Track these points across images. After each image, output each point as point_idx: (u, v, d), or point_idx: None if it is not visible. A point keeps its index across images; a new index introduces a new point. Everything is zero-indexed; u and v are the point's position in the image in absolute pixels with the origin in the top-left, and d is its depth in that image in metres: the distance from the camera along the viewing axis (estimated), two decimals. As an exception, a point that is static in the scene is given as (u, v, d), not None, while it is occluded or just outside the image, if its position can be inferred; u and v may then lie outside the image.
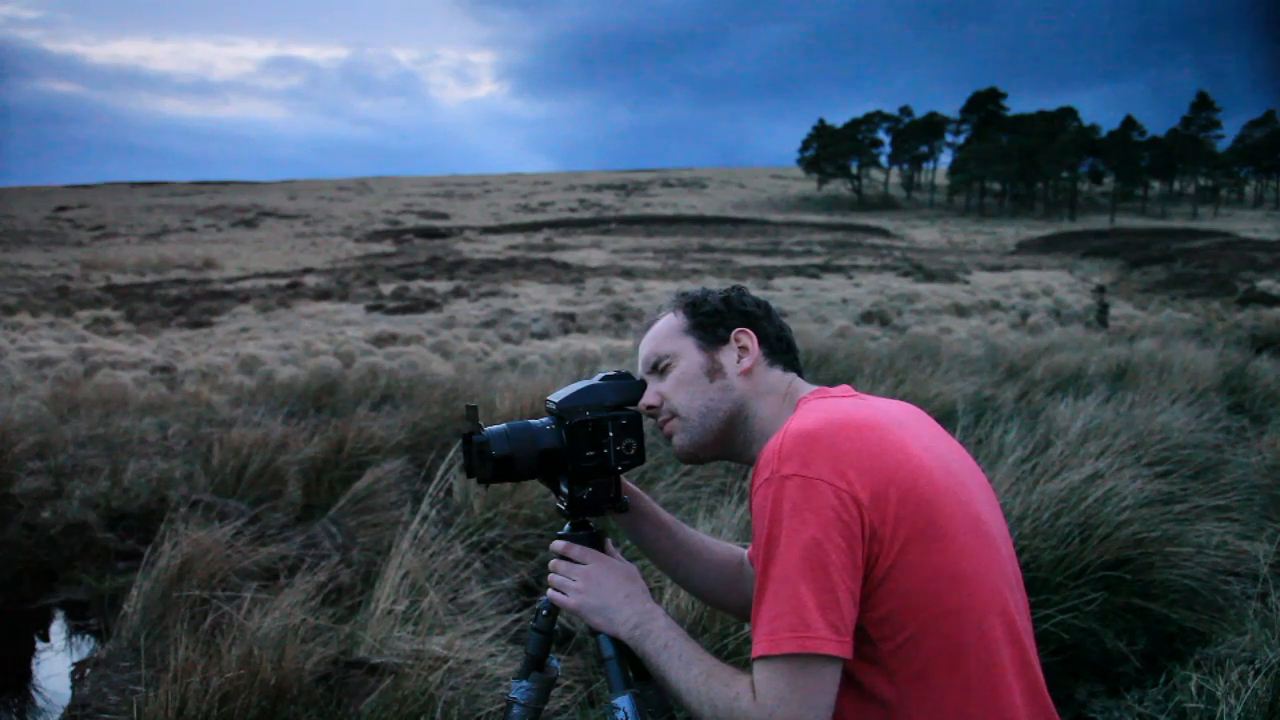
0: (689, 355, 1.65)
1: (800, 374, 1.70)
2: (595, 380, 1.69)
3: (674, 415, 1.65)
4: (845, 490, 1.36)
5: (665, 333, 1.68)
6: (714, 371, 1.63)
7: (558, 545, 1.68)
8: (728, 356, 1.64)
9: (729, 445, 1.65)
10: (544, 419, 1.66)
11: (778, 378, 1.66)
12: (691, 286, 1.75)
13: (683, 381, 1.64)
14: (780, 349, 1.68)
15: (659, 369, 1.68)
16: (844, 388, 1.64)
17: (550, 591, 1.65)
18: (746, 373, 1.63)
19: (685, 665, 1.46)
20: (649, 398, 1.68)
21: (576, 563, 1.65)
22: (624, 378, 1.70)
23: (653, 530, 1.81)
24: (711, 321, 1.66)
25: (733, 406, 1.62)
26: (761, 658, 1.36)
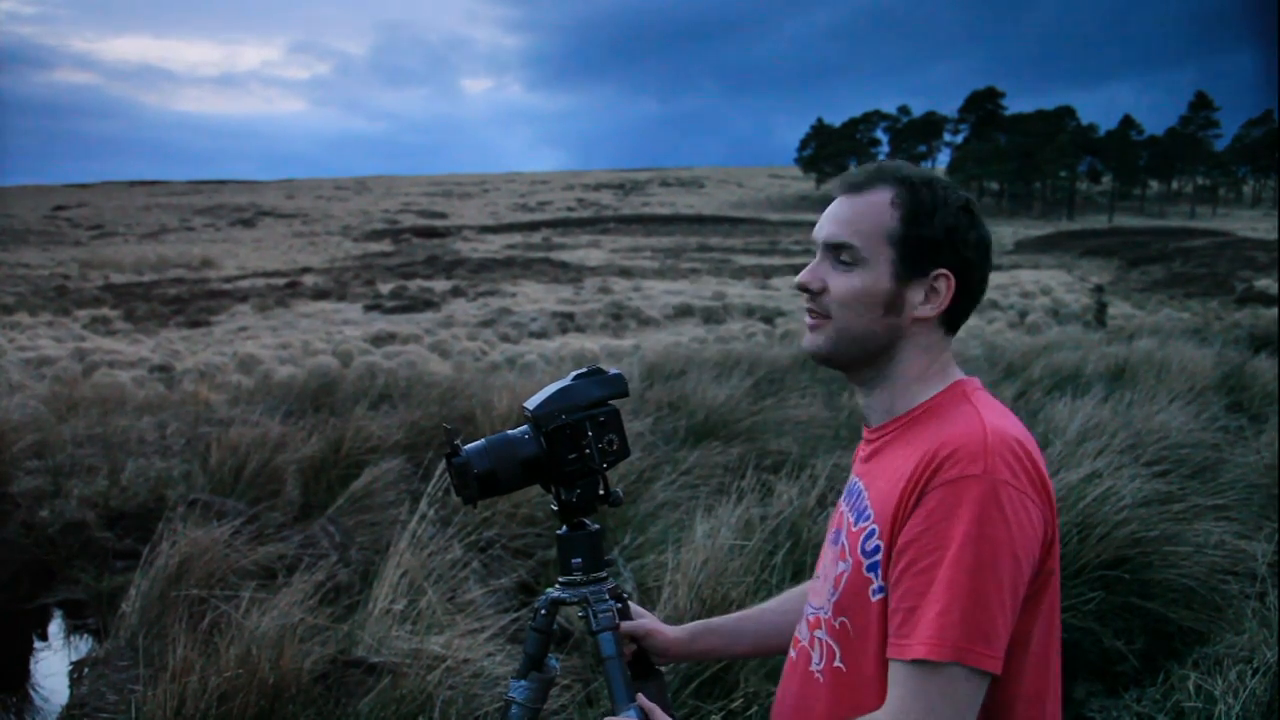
0: (878, 273, 1.41)
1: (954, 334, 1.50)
2: (568, 380, 1.65)
3: (828, 318, 1.45)
4: (1042, 510, 1.31)
5: (869, 224, 1.41)
6: (893, 306, 1.41)
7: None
8: (914, 294, 1.41)
9: (858, 369, 1.49)
10: (522, 428, 1.64)
11: (938, 337, 1.45)
12: (918, 172, 1.44)
13: (856, 296, 1.42)
14: (964, 307, 1.45)
15: (839, 255, 1.44)
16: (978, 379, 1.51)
17: None
18: (920, 319, 1.42)
19: None
20: (811, 278, 1.47)
21: None
22: (598, 373, 1.67)
23: (736, 640, 1.76)
24: (923, 248, 1.40)
25: (889, 343, 1.44)
26: (923, 661, 1.26)
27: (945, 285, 1.42)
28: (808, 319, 1.50)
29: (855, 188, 1.45)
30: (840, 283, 1.43)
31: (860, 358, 1.46)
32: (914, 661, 1.26)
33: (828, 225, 1.46)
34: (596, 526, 1.67)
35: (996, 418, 1.36)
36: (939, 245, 1.40)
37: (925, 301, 1.42)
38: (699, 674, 2.99)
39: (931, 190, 1.42)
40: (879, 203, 1.42)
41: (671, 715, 1.54)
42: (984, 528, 1.25)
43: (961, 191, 1.45)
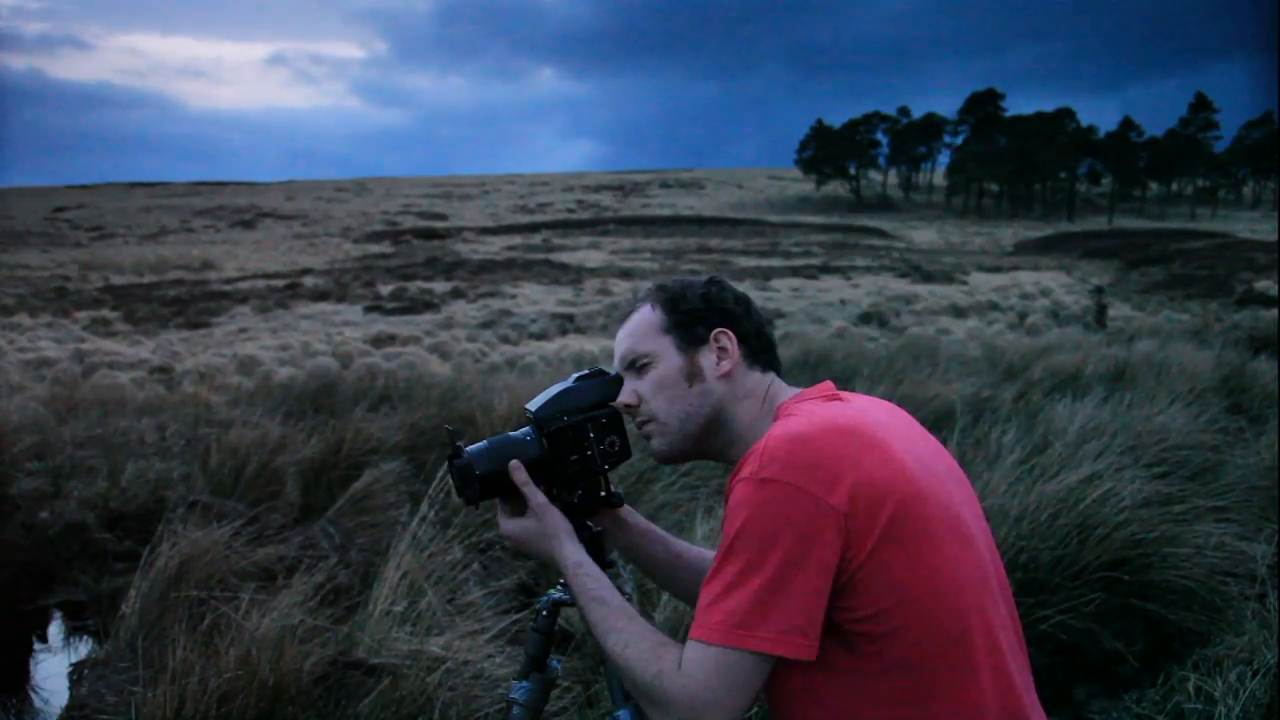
0: (667, 357, 1.60)
1: (779, 372, 1.66)
2: (570, 382, 1.67)
3: (652, 419, 1.62)
4: (823, 498, 1.38)
5: (643, 330, 1.62)
6: (693, 376, 1.59)
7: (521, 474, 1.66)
8: (706, 359, 1.60)
9: (707, 447, 1.63)
10: (524, 429, 1.65)
11: (756, 380, 1.62)
12: (669, 279, 1.68)
13: (661, 386, 1.60)
14: (759, 348, 1.63)
15: (636, 367, 1.63)
16: (824, 385, 1.62)
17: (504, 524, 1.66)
18: (726, 375, 1.59)
19: (613, 623, 1.50)
20: (626, 396, 1.64)
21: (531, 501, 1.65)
22: (599, 375, 1.68)
23: (646, 542, 1.80)
24: (690, 320, 1.60)
25: (711, 411, 1.59)
26: (700, 640, 1.39)
27: (728, 339, 1.60)
28: (642, 432, 1.65)
29: (625, 316, 1.67)
30: (646, 387, 1.62)
31: (700, 436, 1.61)
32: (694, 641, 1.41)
33: (617, 352, 1.67)
34: (598, 528, 1.68)
35: (787, 424, 1.47)
36: (703, 312, 1.61)
37: (719, 361, 1.60)
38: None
39: (679, 282, 1.65)
40: (643, 313, 1.64)
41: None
42: (749, 522, 1.39)
43: (704, 275, 1.68)
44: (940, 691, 1.40)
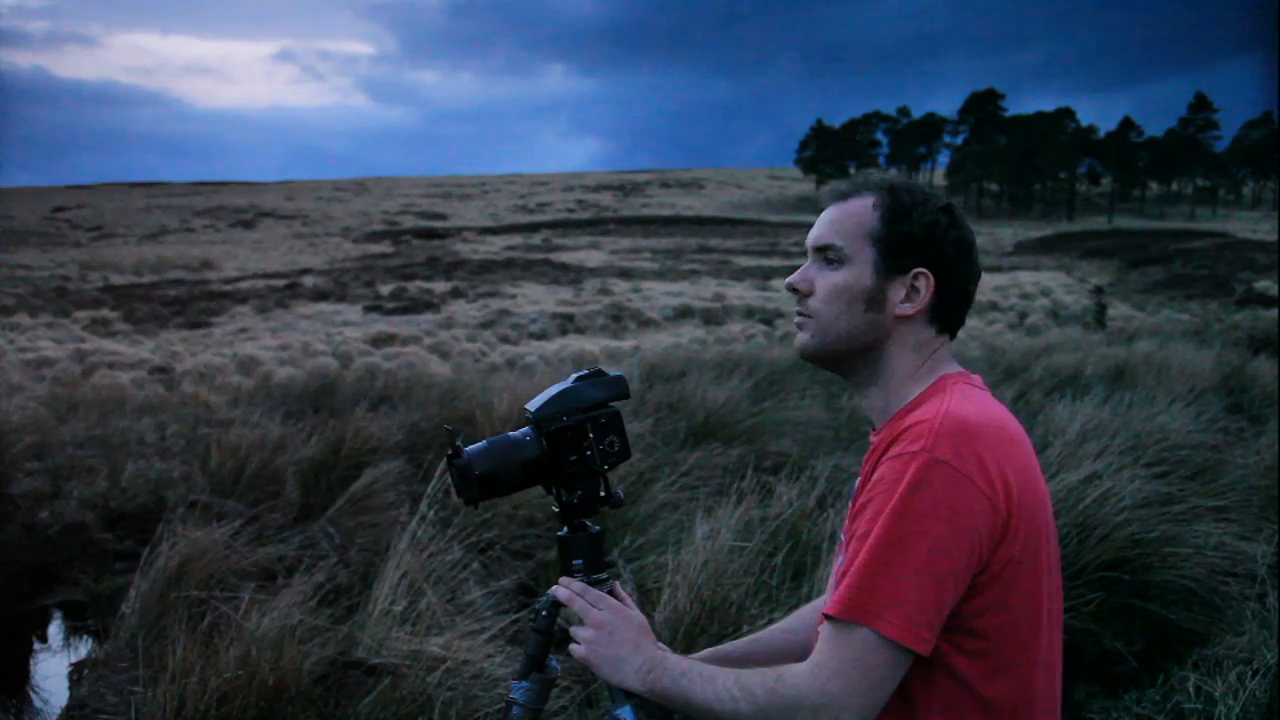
0: (860, 269, 1.49)
1: (954, 336, 1.56)
2: (569, 382, 1.66)
3: (812, 316, 1.52)
4: (988, 496, 1.35)
5: (852, 224, 1.50)
6: (873, 302, 1.49)
7: (567, 590, 1.59)
8: (895, 290, 1.49)
9: (847, 369, 1.56)
10: (524, 429, 1.64)
11: (929, 337, 1.52)
12: (906, 181, 1.53)
13: (838, 294, 1.49)
14: (951, 304, 1.51)
15: (826, 257, 1.52)
16: (979, 378, 1.56)
17: (572, 645, 1.58)
18: (904, 318, 1.49)
19: (709, 680, 1.42)
20: (799, 279, 1.54)
21: (592, 607, 1.56)
22: (599, 375, 1.68)
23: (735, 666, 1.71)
24: (901, 245, 1.48)
25: (873, 341, 1.50)
26: (837, 620, 1.33)
27: (925, 283, 1.49)
28: (795, 319, 1.57)
29: (842, 196, 1.54)
30: (823, 284, 1.51)
31: (847, 355, 1.53)
32: (829, 619, 1.35)
33: (816, 230, 1.55)
34: (597, 528, 1.67)
35: (961, 404, 1.42)
36: (918, 242, 1.48)
37: (906, 299, 1.49)
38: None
39: (912, 193, 1.51)
40: (862, 206, 1.51)
41: None
42: (910, 501, 1.33)
43: (945, 197, 1.53)
44: (1004, 676, 1.40)
